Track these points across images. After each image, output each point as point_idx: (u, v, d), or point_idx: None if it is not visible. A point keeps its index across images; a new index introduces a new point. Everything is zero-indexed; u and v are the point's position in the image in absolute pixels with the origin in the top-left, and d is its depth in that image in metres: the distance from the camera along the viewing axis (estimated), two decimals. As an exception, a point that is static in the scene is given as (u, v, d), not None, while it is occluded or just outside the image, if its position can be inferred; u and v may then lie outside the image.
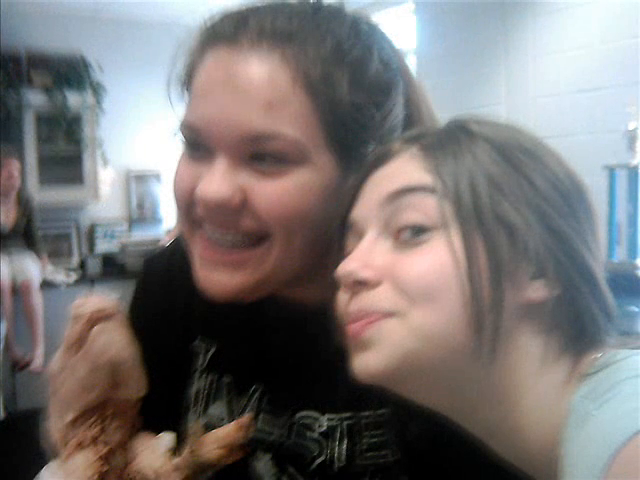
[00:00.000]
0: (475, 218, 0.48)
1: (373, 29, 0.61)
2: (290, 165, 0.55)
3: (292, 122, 0.54)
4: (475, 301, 0.46)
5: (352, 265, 0.50)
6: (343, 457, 0.62)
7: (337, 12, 0.60)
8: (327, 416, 0.63)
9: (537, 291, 0.48)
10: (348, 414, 0.63)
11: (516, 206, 0.48)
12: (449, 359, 0.47)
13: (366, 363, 0.49)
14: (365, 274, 0.49)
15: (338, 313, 0.53)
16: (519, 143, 0.51)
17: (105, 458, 0.47)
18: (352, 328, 0.50)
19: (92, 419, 0.48)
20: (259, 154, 0.55)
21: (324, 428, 0.63)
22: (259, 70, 0.54)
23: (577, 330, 0.50)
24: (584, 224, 0.51)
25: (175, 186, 0.60)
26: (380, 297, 0.49)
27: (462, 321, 0.46)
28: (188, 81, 0.60)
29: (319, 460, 0.63)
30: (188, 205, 0.59)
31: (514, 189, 0.49)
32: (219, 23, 0.58)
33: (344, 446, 0.62)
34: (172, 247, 0.76)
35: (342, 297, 0.52)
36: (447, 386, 0.49)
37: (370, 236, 0.51)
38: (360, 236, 0.52)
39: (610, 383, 0.45)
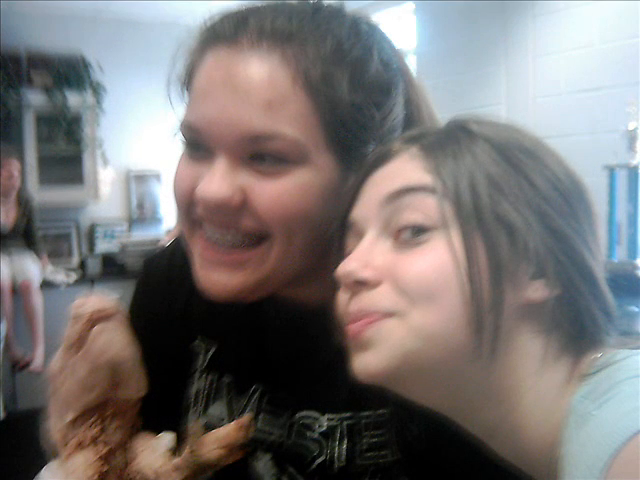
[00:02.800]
0: (475, 218, 0.48)
1: (373, 29, 0.60)
2: (290, 165, 0.55)
3: (292, 122, 0.54)
4: (475, 301, 0.46)
5: (352, 265, 0.50)
6: (343, 457, 0.62)
7: (337, 12, 0.60)
8: (327, 416, 0.63)
9: (537, 291, 0.48)
10: (348, 414, 0.63)
11: (516, 206, 0.48)
12: (449, 359, 0.47)
13: (366, 363, 0.49)
14: (365, 274, 0.49)
15: (338, 313, 0.53)
16: (519, 143, 0.51)
17: (105, 458, 0.47)
18: (352, 328, 0.49)
19: (92, 419, 0.48)
20: (259, 154, 0.55)
21: (324, 428, 0.63)
22: (259, 70, 0.54)
23: (577, 330, 0.49)
24: (584, 224, 0.51)
25: (175, 186, 0.60)
26: (380, 297, 0.49)
27: (462, 321, 0.46)
28: (188, 81, 0.60)
29: (319, 460, 0.62)
30: (188, 205, 0.59)
31: (514, 189, 0.49)
32: (219, 23, 0.58)
33: (344, 446, 0.62)
34: (172, 247, 0.76)
35: (342, 297, 0.52)
36: (447, 386, 0.49)
37: (370, 236, 0.51)
38: (360, 236, 0.52)
39: (610, 383, 0.45)
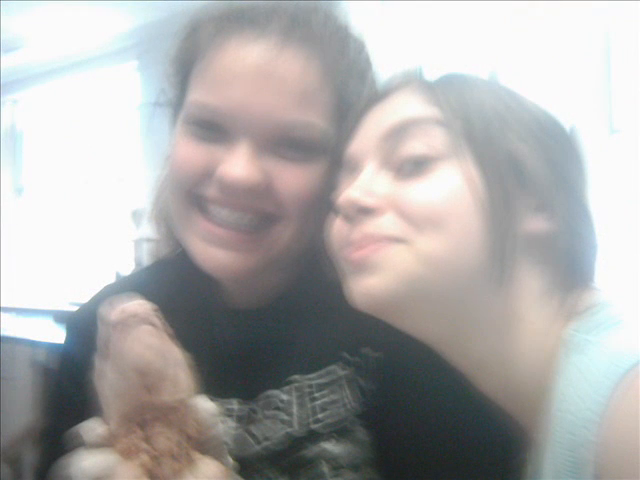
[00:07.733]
0: (487, 147, 0.48)
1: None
2: (314, 153, 0.57)
3: (322, 113, 0.57)
4: (495, 225, 0.46)
5: (355, 193, 0.49)
6: (303, 422, 0.61)
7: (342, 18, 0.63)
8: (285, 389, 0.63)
9: (538, 223, 0.49)
10: (296, 376, 0.63)
11: (522, 137, 0.49)
12: (456, 286, 0.47)
13: (370, 287, 0.48)
14: (369, 201, 0.49)
15: (332, 244, 0.52)
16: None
17: (149, 469, 0.44)
18: (356, 254, 0.48)
19: (132, 426, 0.45)
20: (287, 141, 0.57)
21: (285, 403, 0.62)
22: (294, 61, 0.56)
23: (570, 268, 0.50)
24: (578, 163, 0.53)
25: (179, 165, 0.59)
26: (385, 224, 0.48)
27: (476, 246, 0.46)
28: (192, 61, 0.60)
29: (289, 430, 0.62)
30: (195, 185, 0.58)
31: (518, 121, 0.49)
32: (245, 11, 0.58)
33: (295, 410, 0.62)
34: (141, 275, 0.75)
35: (340, 227, 0.51)
36: (448, 314, 0.49)
37: (370, 168, 0.51)
38: (357, 172, 0.52)
39: (605, 317, 0.46)
